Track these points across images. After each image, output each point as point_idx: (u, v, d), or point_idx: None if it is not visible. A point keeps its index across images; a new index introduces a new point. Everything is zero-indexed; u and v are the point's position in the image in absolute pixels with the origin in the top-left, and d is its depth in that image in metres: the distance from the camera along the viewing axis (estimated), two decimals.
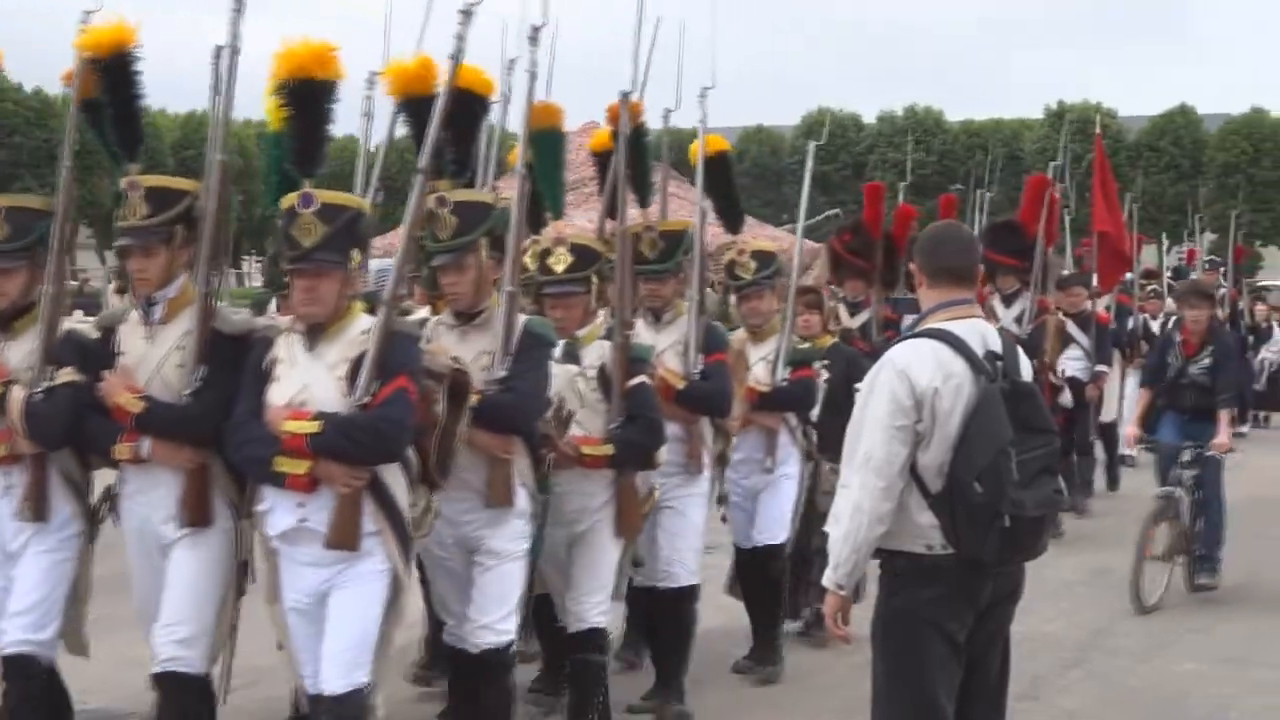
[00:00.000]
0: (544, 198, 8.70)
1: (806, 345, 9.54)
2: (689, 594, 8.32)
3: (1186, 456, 11.47)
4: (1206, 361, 11.39)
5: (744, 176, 64.74)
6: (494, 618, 6.75)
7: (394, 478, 5.99)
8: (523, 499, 6.84)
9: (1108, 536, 14.09)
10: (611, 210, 8.37)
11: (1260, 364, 24.54)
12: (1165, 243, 38.35)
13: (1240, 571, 12.34)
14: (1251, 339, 24.18)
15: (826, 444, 9.20)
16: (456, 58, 6.53)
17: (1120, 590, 11.52)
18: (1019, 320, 14.06)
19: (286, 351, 6.03)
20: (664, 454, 7.76)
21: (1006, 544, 5.24)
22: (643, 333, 8.14)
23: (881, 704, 5.53)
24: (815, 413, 9.43)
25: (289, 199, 5.96)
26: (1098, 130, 19.08)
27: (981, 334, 5.48)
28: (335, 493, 5.81)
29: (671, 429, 7.95)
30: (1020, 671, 6.16)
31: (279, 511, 5.96)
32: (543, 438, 6.97)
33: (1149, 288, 21.45)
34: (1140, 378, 12.21)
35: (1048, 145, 72.97)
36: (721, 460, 8.62)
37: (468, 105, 7.24)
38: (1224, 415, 11.31)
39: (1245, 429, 22.05)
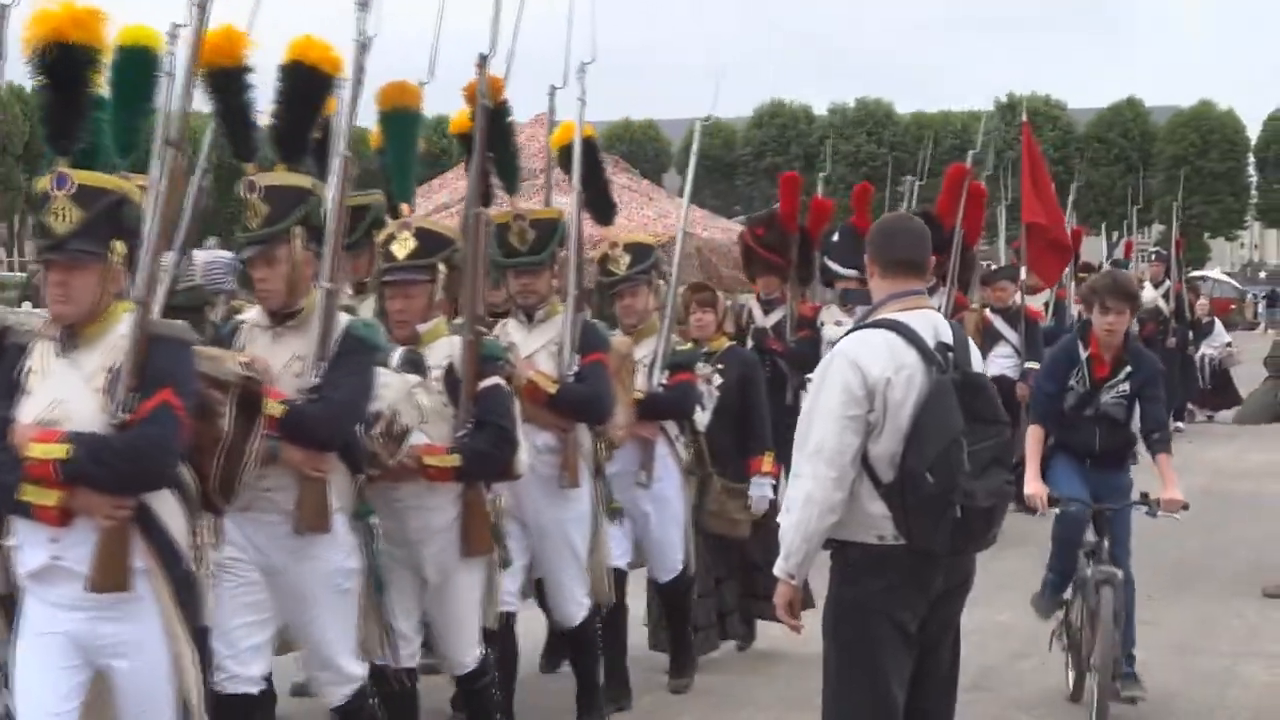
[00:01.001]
0: (391, 183, 7.88)
1: (687, 346, 8.78)
2: (581, 633, 7.81)
3: (1090, 536, 8.33)
4: (1124, 387, 8.33)
5: (696, 168, 64.75)
6: (334, 667, 6.04)
7: (165, 506, 5.03)
8: (340, 525, 5.90)
9: None
10: (485, 196, 7.62)
11: (1201, 360, 23.99)
12: (1111, 236, 38.50)
13: (1190, 563, 12.43)
14: (1190, 334, 23.53)
15: (718, 456, 8.93)
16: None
17: None
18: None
19: (40, 359, 5.08)
20: (526, 465, 6.82)
21: (958, 534, 5.25)
22: (514, 332, 7.59)
23: (833, 693, 5.53)
24: (704, 422, 8.85)
25: (42, 181, 5.08)
26: (1023, 118, 18.24)
27: (933, 325, 5.49)
28: (96, 526, 4.88)
29: (544, 438, 7.38)
30: (971, 662, 6.18)
31: (29, 547, 5.02)
32: (368, 456, 6.03)
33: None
34: (1030, 407, 9.05)
35: (998, 137, 73.49)
36: (599, 473, 7.84)
37: (307, 83, 6.27)
38: (1164, 462, 8.29)
39: (1181, 424, 22.07)
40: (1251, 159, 76.16)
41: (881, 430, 5.31)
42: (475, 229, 6.80)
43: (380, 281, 6.82)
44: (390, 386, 6.10)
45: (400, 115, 7.80)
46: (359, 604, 6.04)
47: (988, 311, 15.27)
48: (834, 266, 12.99)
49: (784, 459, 11.77)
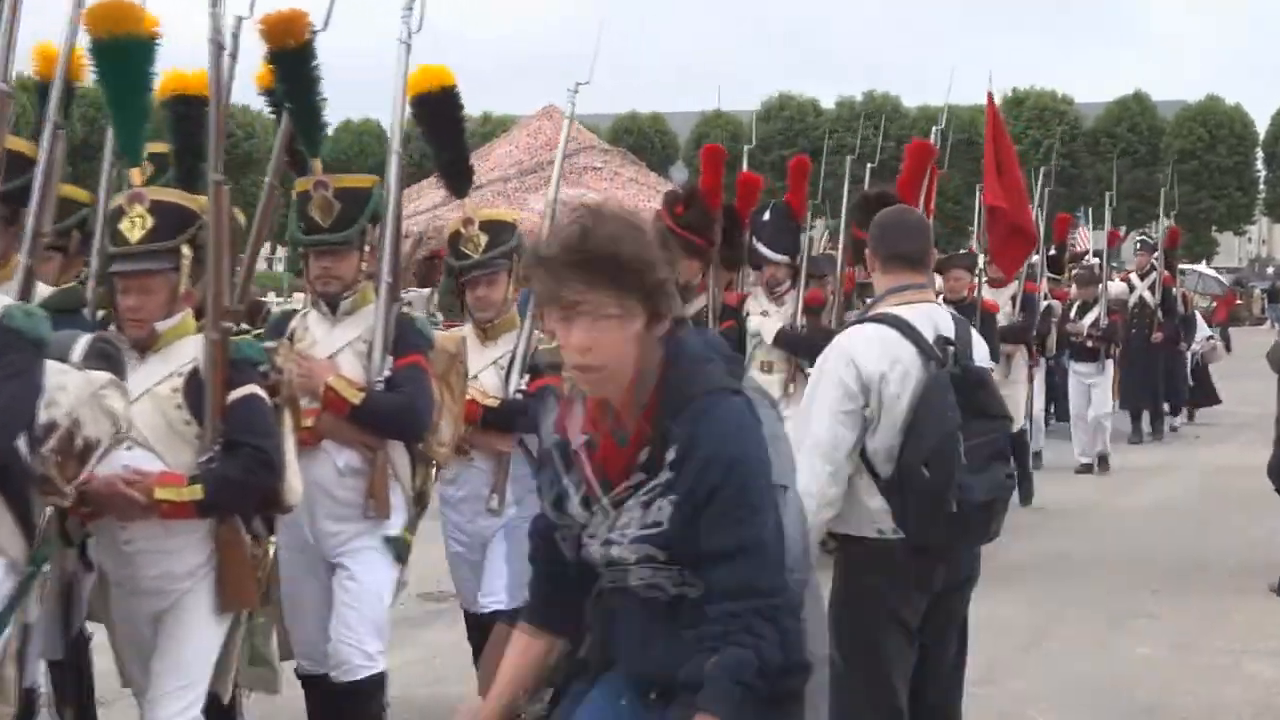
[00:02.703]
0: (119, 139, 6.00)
1: (553, 344, 6.85)
2: (369, 687, 6.33)
3: None
4: None
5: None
6: None
7: None
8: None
9: (1062, 522, 14.19)
10: (294, 162, 6.58)
11: (1190, 357, 22.96)
12: (1120, 228, 38.47)
13: (1191, 560, 12.43)
14: (1183, 331, 22.27)
15: None
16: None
17: (1074, 576, 11.63)
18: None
19: None
20: (299, 492, 5.62)
21: (955, 529, 5.27)
22: (315, 326, 6.31)
23: (837, 686, 5.55)
24: None
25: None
26: (989, 89, 15.23)
27: (933, 319, 5.50)
28: None
29: (346, 458, 6.17)
30: (975, 656, 6.18)
31: None
32: (40, 480, 4.76)
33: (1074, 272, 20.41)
34: None
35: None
36: (420, 500, 6.54)
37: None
38: None
39: (1178, 421, 21.94)
40: (1259, 154, 75.98)
41: (878, 425, 5.33)
42: (216, 201, 5.41)
43: (107, 272, 5.57)
44: (67, 389, 4.75)
45: (118, 44, 5.56)
46: None
47: (940, 304, 14.15)
48: (762, 250, 11.81)
49: None
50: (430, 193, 22.99)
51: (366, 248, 6.33)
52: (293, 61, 6.21)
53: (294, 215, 6.23)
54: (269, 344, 5.79)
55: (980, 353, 5.62)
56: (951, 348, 5.41)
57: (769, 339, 11.57)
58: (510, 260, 7.12)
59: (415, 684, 8.40)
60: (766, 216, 11.97)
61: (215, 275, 5.36)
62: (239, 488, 5.31)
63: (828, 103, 75.99)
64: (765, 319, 11.69)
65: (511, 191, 22.12)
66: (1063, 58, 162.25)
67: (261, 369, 5.48)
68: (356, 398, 6.11)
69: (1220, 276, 55.31)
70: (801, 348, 11.44)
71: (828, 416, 5.35)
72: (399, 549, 6.37)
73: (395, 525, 6.32)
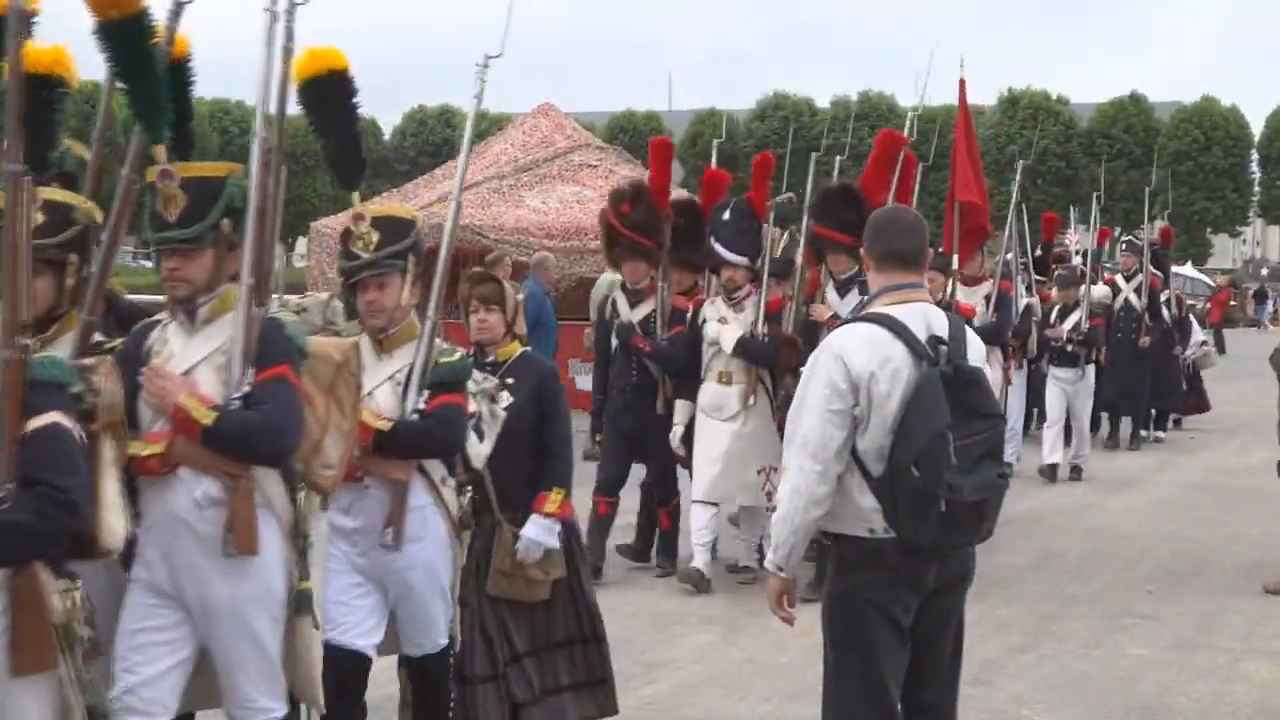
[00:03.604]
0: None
1: (455, 357, 6.47)
2: None
3: None
4: None
5: (698, 159, 64.91)
6: None
7: None
8: None
9: (1059, 522, 14.19)
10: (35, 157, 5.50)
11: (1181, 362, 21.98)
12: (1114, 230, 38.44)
13: (1190, 558, 12.44)
14: (1178, 334, 21.45)
15: (508, 497, 7.01)
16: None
17: (1070, 576, 11.62)
18: (855, 311, 9.94)
19: None
20: (121, 535, 4.95)
21: (944, 528, 5.24)
22: (173, 337, 5.42)
23: (831, 684, 5.57)
24: (483, 455, 6.73)
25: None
26: (961, 75, 13.79)
27: (926, 318, 5.48)
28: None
29: (205, 487, 5.26)
30: (971, 655, 6.17)
31: None
32: None
33: (1056, 272, 19.26)
34: None
35: (1000, 131, 73.55)
36: (297, 533, 5.53)
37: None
38: None
39: (1163, 434, 21.06)
40: (1255, 155, 76.12)
41: (868, 424, 5.32)
42: (13, 195, 4.66)
43: None
44: None
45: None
46: None
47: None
48: (721, 251, 11.02)
49: (661, 475, 11.41)
50: (424, 192, 22.99)
51: (220, 245, 5.40)
52: (121, 35, 5.35)
53: (148, 210, 5.43)
54: (85, 361, 5.07)
55: (974, 352, 5.59)
56: (944, 347, 5.39)
57: (727, 348, 10.87)
58: (406, 260, 6.33)
59: None
60: (726, 216, 11.20)
61: (11, 282, 4.59)
62: (29, 535, 4.53)
63: (823, 102, 76.12)
64: (723, 326, 10.96)
65: (507, 189, 22.15)
66: (1058, 58, 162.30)
67: (72, 391, 4.78)
68: (208, 418, 5.20)
69: (1207, 279, 55.35)
70: (763, 357, 10.90)
71: (817, 415, 5.34)
72: (301, 601, 5.53)
73: (271, 566, 5.38)
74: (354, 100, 6.52)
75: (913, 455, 5.21)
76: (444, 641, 6.53)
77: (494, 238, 20.09)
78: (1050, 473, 16.83)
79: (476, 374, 6.74)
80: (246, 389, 5.24)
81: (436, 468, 6.40)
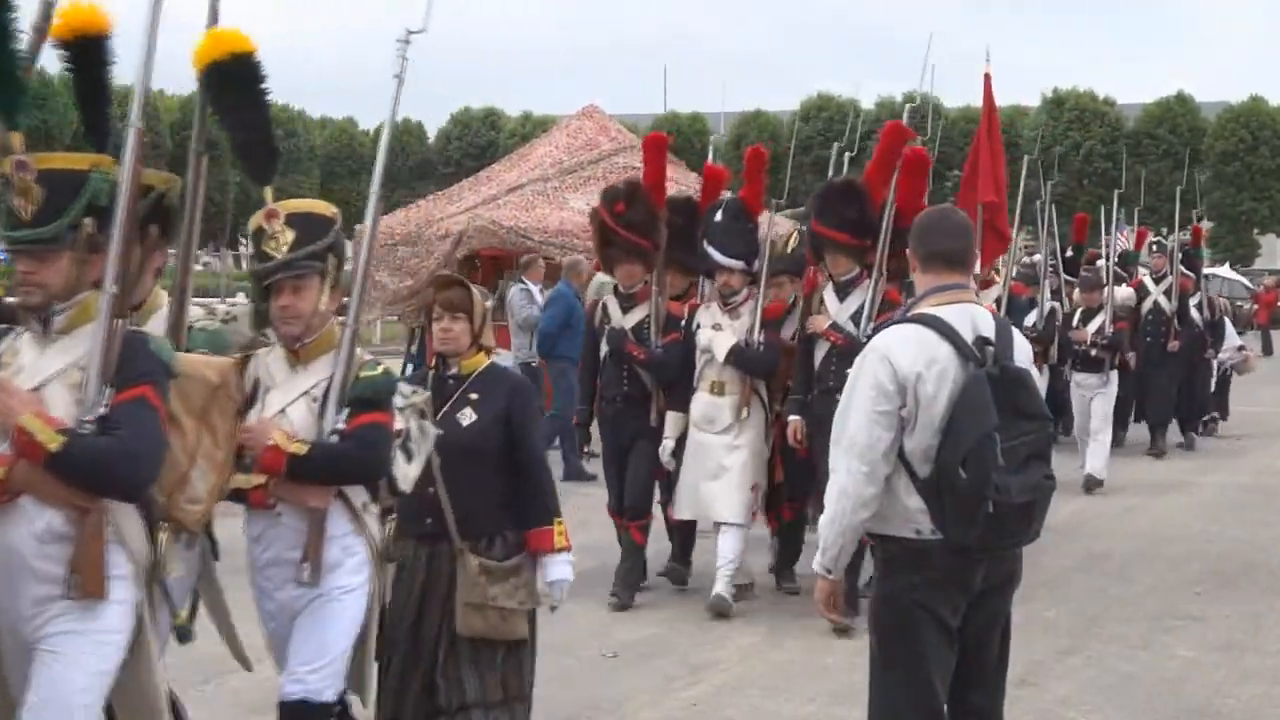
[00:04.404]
0: None
1: (375, 373, 5.70)
2: None
3: None
4: None
5: (743, 160, 64.77)
6: None
7: None
8: None
9: (1103, 524, 14.13)
10: None
11: (1216, 366, 21.24)
12: (1162, 231, 38.18)
13: (1237, 560, 12.37)
14: (1209, 338, 20.63)
15: (470, 524, 6.34)
16: None
17: (1116, 577, 11.57)
18: (856, 319, 9.88)
19: None
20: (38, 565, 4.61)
21: (992, 529, 5.24)
22: (25, 349, 4.82)
23: (877, 686, 5.56)
24: (409, 478, 5.86)
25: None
26: (987, 67, 13.21)
27: (972, 318, 5.48)
28: None
29: (48, 520, 4.64)
30: (1017, 657, 6.16)
31: None
32: None
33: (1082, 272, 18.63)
34: None
35: (1045, 133, 73.14)
36: (156, 570, 4.92)
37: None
38: None
39: (1189, 440, 19.95)
40: None
41: (914, 425, 5.32)
42: None
43: None
44: None
45: None
46: None
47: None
48: (714, 254, 10.46)
49: (637, 489, 10.41)
50: (468, 194, 23.05)
51: (88, 248, 4.80)
52: None
53: (2, 206, 4.87)
54: None
55: (1021, 353, 5.59)
56: (990, 348, 5.39)
57: (720, 356, 10.24)
58: (325, 262, 5.64)
59: None
60: (718, 216, 10.58)
61: None
62: None
63: (868, 103, 75.93)
64: (717, 333, 10.31)
65: (552, 191, 22.16)
66: (1105, 58, 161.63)
67: None
68: (54, 442, 4.57)
69: (1246, 280, 54.75)
70: (758, 366, 10.30)
71: (864, 416, 5.34)
72: (181, 633, 5.17)
73: (116, 610, 4.76)
74: (261, 86, 5.61)
75: (960, 456, 5.20)
76: (331, 695, 5.57)
77: (538, 239, 20.09)
78: (1090, 484, 16.03)
79: (404, 387, 5.98)
80: (103, 411, 4.64)
81: (358, 493, 5.68)
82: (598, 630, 9.70)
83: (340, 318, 5.77)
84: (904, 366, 5.32)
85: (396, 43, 5.98)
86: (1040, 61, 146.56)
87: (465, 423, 6.39)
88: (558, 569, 6.44)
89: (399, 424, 5.84)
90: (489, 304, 6.40)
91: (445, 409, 6.41)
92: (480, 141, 77.96)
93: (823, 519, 5.48)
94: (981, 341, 5.40)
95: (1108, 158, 71.35)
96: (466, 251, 22.10)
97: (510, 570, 6.39)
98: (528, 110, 77.41)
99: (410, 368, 23.31)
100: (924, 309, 5.53)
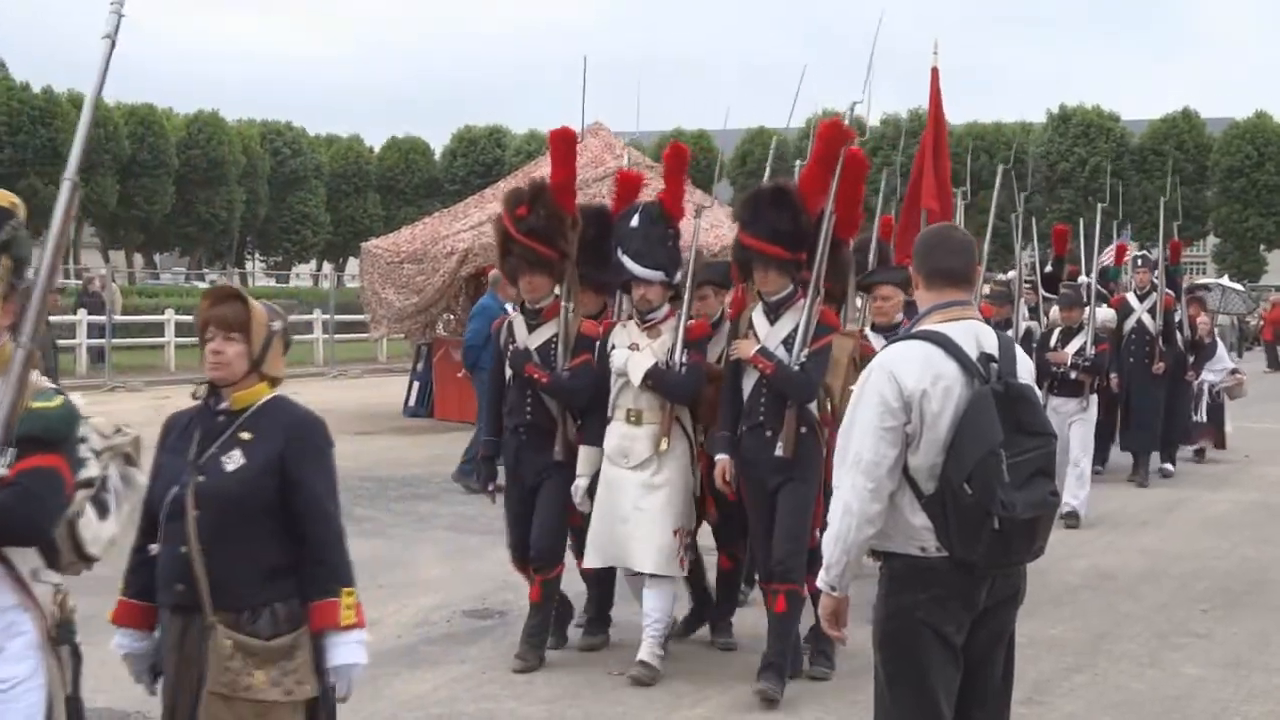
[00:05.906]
0: None
1: (51, 404, 4.42)
2: None
3: None
4: None
5: (749, 177, 64.90)
6: None
7: None
8: None
9: (1110, 541, 14.11)
10: None
11: (1199, 388, 19.89)
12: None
13: (1245, 578, 12.35)
14: (1192, 358, 19.56)
15: (227, 591, 5.01)
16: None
17: (1123, 595, 11.55)
18: (788, 343, 8.56)
19: None
20: None
21: (997, 546, 5.23)
22: None
23: (881, 704, 5.56)
24: (102, 536, 4.68)
25: None
26: (934, 60, 12.27)
27: (976, 335, 5.48)
28: None
29: None
30: (1023, 675, 6.16)
31: None
32: None
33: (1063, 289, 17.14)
34: None
35: (1051, 149, 73.24)
36: (65, 635, 4.49)
37: None
38: None
39: (1170, 468, 18.88)
40: None
41: (919, 441, 5.31)
42: None
43: None
44: None
45: None
46: None
47: (868, 333, 10.46)
48: (629, 265, 9.13)
49: (545, 536, 8.96)
50: (474, 211, 23.08)
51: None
52: None
53: None
54: None
55: (1024, 369, 5.59)
56: (995, 364, 5.39)
57: (636, 379, 8.93)
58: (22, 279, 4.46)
59: (463, 699, 8.43)
60: (634, 223, 9.23)
61: None
62: None
63: (873, 120, 76.06)
64: (633, 354, 8.99)
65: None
66: (1110, 74, 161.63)
67: None
68: None
69: (1239, 288, 54.32)
70: (679, 391, 8.95)
71: (869, 433, 5.34)
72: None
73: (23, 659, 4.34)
74: None
75: (965, 473, 5.19)
76: None
77: None
78: (1070, 519, 14.53)
79: (103, 424, 4.81)
80: (3, 472, 4.15)
81: (28, 557, 4.43)
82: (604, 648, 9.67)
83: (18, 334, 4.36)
84: (909, 383, 5.32)
85: (110, 4, 4.64)
86: (1045, 77, 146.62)
87: (230, 468, 5.05)
88: (344, 651, 5.06)
89: (93, 470, 4.62)
90: (276, 326, 5.27)
91: (211, 450, 5.10)
92: (486, 159, 78.25)
93: (826, 536, 5.46)
94: (985, 358, 5.39)
95: (1115, 174, 71.41)
96: (472, 269, 22.12)
97: (279, 651, 4.99)
98: (533, 128, 77.66)
99: (416, 386, 23.43)
100: (928, 325, 5.53)
